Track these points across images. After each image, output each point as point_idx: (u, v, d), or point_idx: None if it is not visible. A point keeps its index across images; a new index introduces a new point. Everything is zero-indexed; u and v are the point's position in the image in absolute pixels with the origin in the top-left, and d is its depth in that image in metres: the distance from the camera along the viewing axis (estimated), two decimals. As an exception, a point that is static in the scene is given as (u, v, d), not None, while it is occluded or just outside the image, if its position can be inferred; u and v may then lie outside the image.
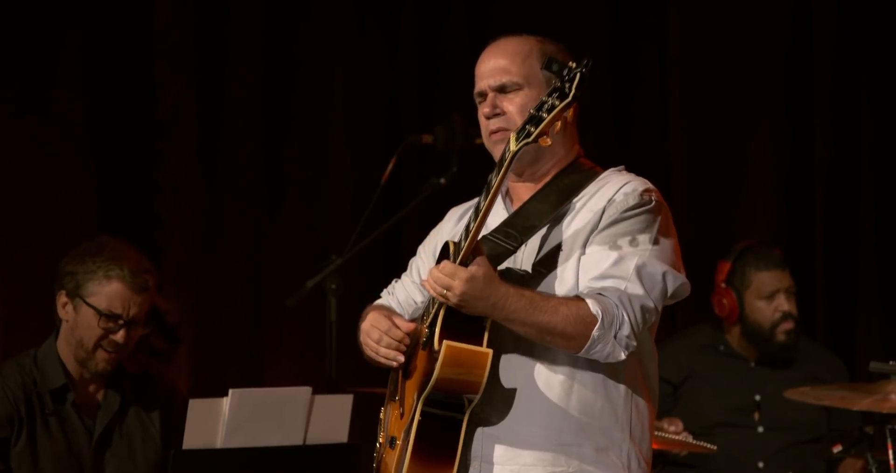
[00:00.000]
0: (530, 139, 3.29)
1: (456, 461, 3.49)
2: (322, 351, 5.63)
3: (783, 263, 6.08)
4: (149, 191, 6.51)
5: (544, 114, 3.27)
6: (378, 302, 3.95)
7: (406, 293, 3.90)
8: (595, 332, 3.43)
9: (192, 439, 4.56)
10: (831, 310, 6.88)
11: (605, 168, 3.70)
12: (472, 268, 3.39)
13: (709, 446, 5.49)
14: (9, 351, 6.16)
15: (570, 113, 3.45)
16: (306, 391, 4.66)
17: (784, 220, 6.96)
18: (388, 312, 3.73)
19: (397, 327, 3.62)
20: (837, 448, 5.51)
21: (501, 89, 3.62)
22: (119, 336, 4.80)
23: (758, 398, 5.93)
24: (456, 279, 3.38)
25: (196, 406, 4.57)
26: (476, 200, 3.77)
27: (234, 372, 6.48)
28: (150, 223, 6.49)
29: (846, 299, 6.92)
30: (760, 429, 5.92)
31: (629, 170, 3.68)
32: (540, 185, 3.64)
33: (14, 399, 4.78)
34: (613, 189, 3.58)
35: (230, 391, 4.58)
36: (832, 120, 6.94)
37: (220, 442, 4.56)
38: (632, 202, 3.54)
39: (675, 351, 6.05)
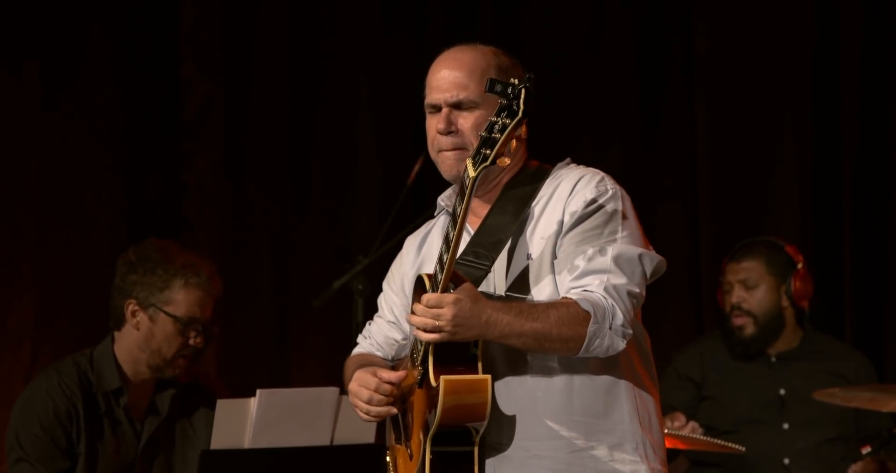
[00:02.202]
0: (488, 162, 3.25)
1: None
2: (349, 351, 5.59)
3: (751, 254, 5.93)
4: (176, 192, 6.53)
5: (497, 135, 3.24)
6: (357, 350, 3.91)
7: (384, 334, 3.86)
8: (590, 328, 3.41)
9: (220, 439, 4.57)
10: (859, 311, 6.83)
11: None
12: (456, 292, 3.36)
13: (737, 447, 5.46)
14: (37, 349, 6.20)
15: (522, 128, 3.43)
16: (333, 391, 4.66)
17: (811, 222, 6.91)
18: (373, 368, 3.64)
19: (386, 381, 3.56)
20: (866, 450, 5.48)
21: (457, 106, 3.57)
22: (199, 340, 4.84)
23: (782, 392, 5.88)
24: (444, 305, 3.34)
25: (223, 407, 4.59)
26: (431, 225, 3.79)
27: (261, 373, 6.50)
28: (176, 223, 6.51)
29: (874, 300, 6.88)
30: (786, 426, 5.86)
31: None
32: (494, 197, 3.62)
33: (72, 396, 4.78)
34: (568, 187, 3.56)
35: (257, 391, 4.59)
36: (859, 121, 6.89)
37: (247, 443, 4.57)
38: (589, 196, 3.52)
39: (697, 350, 6.02)
